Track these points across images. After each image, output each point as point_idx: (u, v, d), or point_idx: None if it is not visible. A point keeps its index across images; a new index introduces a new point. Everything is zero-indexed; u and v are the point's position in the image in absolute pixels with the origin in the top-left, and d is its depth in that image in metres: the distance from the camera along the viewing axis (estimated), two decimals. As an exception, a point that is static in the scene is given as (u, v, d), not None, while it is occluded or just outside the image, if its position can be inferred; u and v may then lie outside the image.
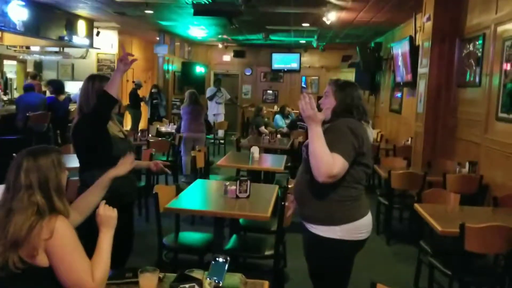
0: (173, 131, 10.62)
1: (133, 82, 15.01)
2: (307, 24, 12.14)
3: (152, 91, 14.67)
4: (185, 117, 9.49)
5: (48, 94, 11.09)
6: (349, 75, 16.38)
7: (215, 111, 15.21)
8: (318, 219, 3.01)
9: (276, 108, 16.25)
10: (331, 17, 9.91)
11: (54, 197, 2.32)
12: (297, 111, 11.13)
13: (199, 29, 14.02)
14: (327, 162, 2.81)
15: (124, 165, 3.06)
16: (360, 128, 3.00)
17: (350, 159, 2.90)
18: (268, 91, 19.48)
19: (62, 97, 10.67)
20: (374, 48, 13.52)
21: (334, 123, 3.02)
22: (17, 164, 2.35)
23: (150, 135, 9.67)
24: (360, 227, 3.05)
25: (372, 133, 3.14)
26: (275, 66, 19.05)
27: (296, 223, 4.45)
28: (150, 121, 13.80)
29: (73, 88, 13.46)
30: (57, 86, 10.81)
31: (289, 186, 4.95)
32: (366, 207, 3.14)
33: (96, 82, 3.55)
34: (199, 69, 17.24)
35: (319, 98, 3.46)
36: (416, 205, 4.72)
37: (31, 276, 2.19)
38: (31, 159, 2.34)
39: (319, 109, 3.05)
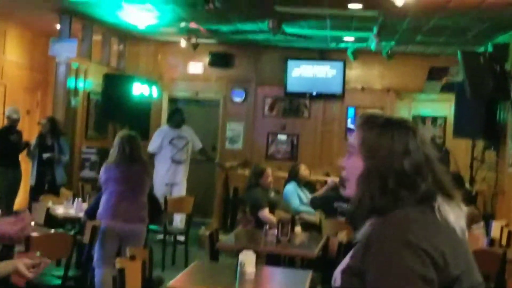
0: (81, 215, 8.48)
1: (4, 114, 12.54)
2: (359, 6, 9.89)
3: (43, 131, 11.50)
4: (110, 187, 7.57)
5: None
6: (443, 106, 13.25)
7: (170, 177, 11.69)
8: None
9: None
10: (406, -7, 8.43)
11: None
12: (334, 178, 10.23)
13: (141, 10, 11.04)
14: None
15: None
16: (430, 230, 2.01)
17: None
18: (279, 136, 14.36)
19: None
20: (493, 56, 10.93)
21: (375, 233, 2.07)
22: None
23: (33, 223, 7.62)
24: None
25: (463, 220, 2.11)
26: (293, 86, 14.16)
27: None
28: (36, 193, 11.01)
29: None
30: None
31: None
32: None
33: None
34: (140, 89, 12.88)
35: None
36: None
37: None
38: None
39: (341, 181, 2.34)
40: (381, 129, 2.08)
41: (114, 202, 7.58)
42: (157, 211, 8.60)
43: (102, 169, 7.80)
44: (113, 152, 7.66)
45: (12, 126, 11.20)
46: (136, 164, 7.71)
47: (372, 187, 2.02)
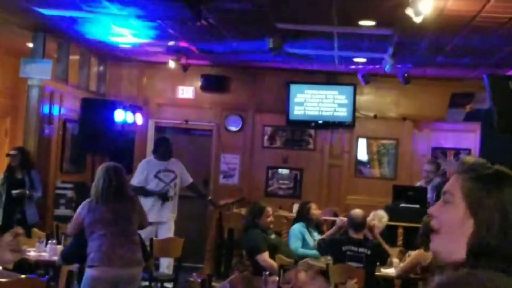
0: (55, 258, 8.34)
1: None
2: (371, 22, 9.58)
3: (12, 164, 11.27)
4: (99, 229, 7.33)
5: None
6: (467, 138, 13.14)
7: (155, 215, 10.93)
8: None
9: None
10: (423, 8, 7.25)
11: None
12: (343, 218, 10.20)
13: (122, 28, 10.55)
14: None
15: None
16: None
17: None
18: (281, 171, 14.07)
19: None
20: (525, 81, 10.72)
21: None
22: None
23: (0, 268, 7.87)
24: None
25: None
26: (296, 113, 13.69)
27: None
28: (3, 234, 8.71)
29: None
30: None
31: None
32: None
33: None
34: (123, 116, 12.65)
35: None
36: None
37: None
38: None
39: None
40: (489, 182, 2.04)
41: (108, 245, 7.17)
42: (145, 254, 7.90)
43: (85, 208, 7.25)
44: (98, 186, 7.22)
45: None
46: (125, 200, 7.43)
47: (481, 249, 2.01)
